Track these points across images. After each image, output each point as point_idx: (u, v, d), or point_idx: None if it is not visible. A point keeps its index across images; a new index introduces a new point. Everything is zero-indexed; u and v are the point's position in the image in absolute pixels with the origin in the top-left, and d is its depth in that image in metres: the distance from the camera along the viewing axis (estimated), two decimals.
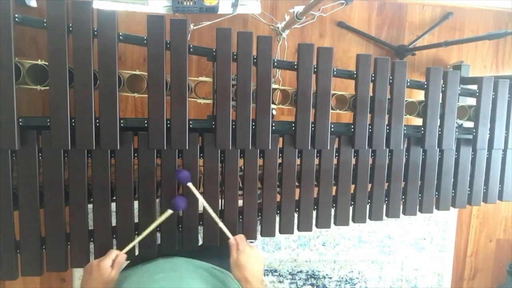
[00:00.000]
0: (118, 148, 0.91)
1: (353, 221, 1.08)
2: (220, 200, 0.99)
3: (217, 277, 0.91)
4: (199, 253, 0.98)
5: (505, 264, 2.28)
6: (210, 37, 1.83)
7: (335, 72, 1.01)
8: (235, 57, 0.94)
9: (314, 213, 1.06)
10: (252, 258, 0.87)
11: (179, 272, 0.87)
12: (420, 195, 1.12)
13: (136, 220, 0.96)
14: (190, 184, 0.92)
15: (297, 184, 1.04)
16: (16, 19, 0.85)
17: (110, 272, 0.83)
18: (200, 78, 1.01)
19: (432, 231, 2.17)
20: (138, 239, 0.92)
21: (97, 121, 0.90)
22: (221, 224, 0.93)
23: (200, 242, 1.01)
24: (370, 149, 1.05)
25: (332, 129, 1.01)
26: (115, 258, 0.86)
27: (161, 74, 0.91)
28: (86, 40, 0.87)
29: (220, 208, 1.00)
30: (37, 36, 1.67)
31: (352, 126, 1.03)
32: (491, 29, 2.05)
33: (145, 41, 0.90)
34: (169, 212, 0.91)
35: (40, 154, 0.89)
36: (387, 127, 1.05)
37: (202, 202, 0.93)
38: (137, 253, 0.97)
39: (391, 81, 1.03)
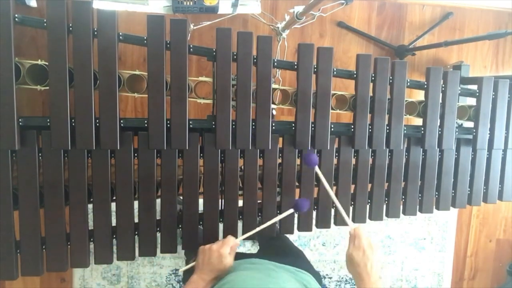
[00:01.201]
0: (118, 148, 0.91)
1: (353, 221, 1.08)
2: (220, 200, 0.99)
3: (301, 280, 0.90)
4: (273, 254, 0.98)
5: (505, 264, 2.28)
6: (210, 37, 1.83)
7: (335, 72, 1.01)
8: (235, 57, 0.93)
9: (314, 213, 1.06)
10: (366, 256, 0.83)
11: (279, 273, 0.86)
12: (420, 195, 1.12)
13: (136, 220, 0.96)
14: (317, 168, 0.95)
15: (297, 184, 1.04)
16: (16, 19, 0.85)
17: (228, 260, 0.83)
18: (200, 78, 1.01)
19: (432, 231, 2.17)
20: (253, 231, 0.93)
21: (97, 121, 0.90)
22: (342, 212, 0.93)
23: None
24: (370, 149, 1.05)
25: (332, 129, 1.01)
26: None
27: (161, 74, 0.91)
28: (86, 40, 0.87)
29: (220, 208, 1.00)
30: (37, 36, 1.67)
31: (352, 126, 1.03)
32: (491, 29, 2.05)
33: (145, 41, 0.90)
34: (291, 210, 0.93)
35: (40, 154, 0.89)
36: (387, 127, 1.05)
37: (326, 187, 0.94)
38: (137, 253, 0.97)
39: (391, 81, 1.03)
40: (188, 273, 0.92)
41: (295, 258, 1.02)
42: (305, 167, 1.02)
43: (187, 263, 1.14)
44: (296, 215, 1.04)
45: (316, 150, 1.01)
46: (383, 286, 0.81)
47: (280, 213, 0.98)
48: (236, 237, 0.91)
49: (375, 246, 0.85)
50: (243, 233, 0.99)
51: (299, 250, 1.21)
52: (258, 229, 0.92)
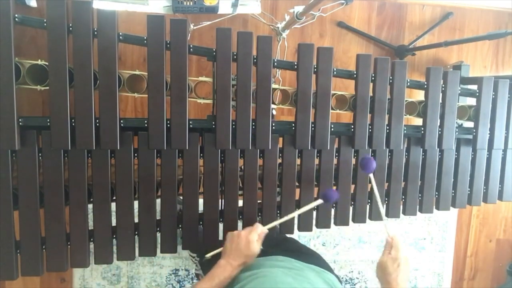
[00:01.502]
0: (118, 148, 0.91)
1: (353, 221, 1.08)
2: (220, 200, 0.99)
3: (327, 280, 0.90)
4: (293, 253, 0.99)
5: (505, 264, 2.28)
6: (210, 37, 1.83)
7: (335, 72, 1.01)
8: (235, 57, 0.93)
9: (314, 213, 1.06)
10: (401, 268, 0.85)
11: (307, 273, 0.87)
12: (420, 195, 1.12)
13: (136, 220, 0.96)
14: (371, 176, 0.96)
15: (297, 184, 1.04)
16: (16, 19, 0.85)
17: (255, 246, 0.84)
18: (200, 78, 1.01)
19: (432, 231, 2.17)
20: (281, 220, 0.94)
21: (97, 121, 0.89)
22: (385, 222, 0.95)
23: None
24: (370, 149, 1.05)
25: (332, 129, 1.01)
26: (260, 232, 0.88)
27: (161, 74, 0.91)
28: (86, 40, 0.87)
29: (220, 208, 1.00)
30: (37, 36, 1.67)
31: (352, 126, 1.03)
32: (491, 29, 2.05)
33: (145, 41, 0.90)
34: (320, 201, 0.94)
35: (40, 154, 0.89)
36: (387, 127, 1.05)
37: (376, 193, 0.96)
38: (137, 253, 0.97)
39: (391, 81, 1.03)
40: (208, 262, 0.94)
41: (316, 258, 1.03)
42: (305, 167, 1.01)
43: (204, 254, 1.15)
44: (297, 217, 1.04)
45: (316, 151, 1.01)
46: None
47: (261, 216, 0.99)
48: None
49: (409, 261, 0.87)
50: None
51: (314, 251, 1.22)
52: (284, 218, 0.94)
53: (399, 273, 0.84)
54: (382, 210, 0.97)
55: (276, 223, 0.94)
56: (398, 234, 0.90)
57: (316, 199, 0.98)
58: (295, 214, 0.96)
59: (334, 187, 1.05)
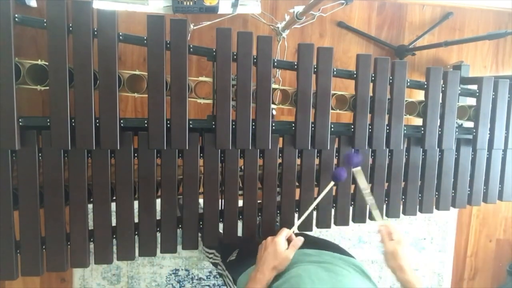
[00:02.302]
0: (118, 148, 0.91)
1: (353, 221, 1.08)
2: (220, 200, 0.99)
3: (356, 268, 0.92)
4: (317, 245, 1.01)
5: (505, 264, 2.28)
6: (210, 37, 1.83)
7: (335, 72, 1.01)
8: (235, 57, 0.93)
9: (314, 213, 1.06)
10: (406, 248, 0.89)
11: (339, 267, 0.89)
12: (420, 195, 1.12)
13: (136, 220, 0.96)
14: (359, 169, 0.97)
15: (297, 184, 1.04)
16: (16, 19, 0.85)
17: (284, 248, 0.85)
18: (200, 78, 1.01)
19: (432, 231, 2.17)
20: (302, 217, 0.95)
21: (97, 121, 0.89)
22: (375, 211, 0.97)
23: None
24: (370, 149, 1.05)
25: (332, 129, 1.01)
26: (290, 237, 0.89)
27: (161, 74, 0.91)
28: (86, 40, 0.87)
29: (220, 208, 1.00)
30: (37, 36, 1.67)
31: (352, 126, 1.03)
32: (491, 29, 2.05)
33: (145, 41, 0.90)
34: (332, 183, 0.95)
35: (40, 154, 0.89)
36: (387, 127, 1.05)
37: (363, 189, 0.97)
38: (137, 253, 0.97)
39: (391, 81, 1.03)
40: (234, 262, 0.98)
41: (337, 247, 1.06)
42: (305, 167, 1.01)
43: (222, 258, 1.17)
44: (296, 215, 1.04)
45: (316, 151, 1.01)
46: (418, 276, 0.89)
47: (261, 216, 1.00)
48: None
49: (406, 239, 0.93)
50: (243, 234, 1.00)
51: (328, 240, 1.23)
52: (306, 214, 0.96)
53: (408, 254, 0.87)
54: (371, 200, 0.98)
55: (299, 221, 0.95)
56: (390, 222, 0.93)
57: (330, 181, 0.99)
58: (313, 206, 0.97)
59: (297, 192, 1.05)
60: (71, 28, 0.86)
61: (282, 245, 0.85)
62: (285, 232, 0.89)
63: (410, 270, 0.87)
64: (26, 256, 0.92)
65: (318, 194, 1.00)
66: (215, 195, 0.98)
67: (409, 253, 0.89)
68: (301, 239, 0.89)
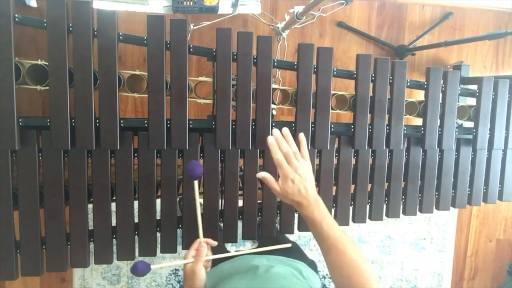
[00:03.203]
0: (118, 148, 0.91)
1: (353, 221, 1.08)
2: (220, 200, 0.99)
3: (293, 266, 0.91)
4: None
5: (505, 264, 2.28)
6: (210, 37, 1.83)
7: (335, 72, 1.01)
8: (235, 57, 0.93)
9: None
10: (298, 181, 0.73)
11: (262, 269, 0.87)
12: (420, 195, 1.12)
13: (136, 220, 0.96)
14: (196, 183, 0.83)
15: None
16: (16, 19, 0.85)
17: (188, 267, 0.78)
18: (200, 78, 1.01)
19: (432, 231, 2.18)
20: (218, 256, 0.86)
21: (97, 121, 0.90)
22: (199, 224, 0.85)
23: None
24: (370, 149, 1.05)
25: (332, 129, 1.01)
26: (198, 247, 0.80)
27: (161, 74, 0.91)
28: (86, 40, 0.87)
29: (220, 208, 1.00)
30: (37, 36, 1.67)
31: (352, 126, 1.03)
32: (491, 29, 2.05)
33: (145, 41, 0.90)
34: (289, 245, 0.84)
35: (40, 154, 0.89)
36: (387, 127, 1.05)
37: (197, 203, 0.86)
38: (137, 253, 0.97)
39: (391, 81, 1.03)
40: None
41: (288, 250, 1.02)
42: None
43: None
44: (296, 215, 1.04)
45: (316, 151, 1.01)
46: (321, 203, 0.75)
47: (261, 216, 0.97)
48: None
49: (300, 166, 0.74)
50: (243, 234, 1.01)
51: (292, 242, 1.23)
52: (225, 255, 0.91)
53: (300, 187, 0.73)
54: (199, 216, 0.85)
55: (201, 231, 0.84)
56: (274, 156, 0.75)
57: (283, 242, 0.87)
58: (246, 251, 0.88)
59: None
60: (71, 28, 0.86)
61: (187, 266, 0.79)
62: (194, 245, 0.81)
63: (312, 202, 0.73)
64: (26, 256, 0.92)
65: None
66: (215, 195, 0.98)
67: (304, 182, 0.73)
68: (203, 245, 0.80)
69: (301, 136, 0.80)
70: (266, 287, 0.80)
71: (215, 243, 0.83)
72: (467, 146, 1.13)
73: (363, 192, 1.07)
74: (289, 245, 0.84)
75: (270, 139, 0.75)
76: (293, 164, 0.74)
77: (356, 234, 2.10)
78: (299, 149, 0.78)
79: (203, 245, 0.80)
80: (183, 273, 0.80)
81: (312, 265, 1.03)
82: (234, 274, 0.88)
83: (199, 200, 0.84)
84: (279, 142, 0.76)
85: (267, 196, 1.01)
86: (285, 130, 0.78)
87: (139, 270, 0.77)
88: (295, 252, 1.03)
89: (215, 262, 0.94)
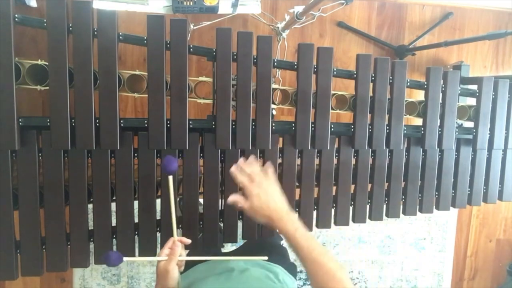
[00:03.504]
0: (118, 148, 0.91)
1: (353, 221, 1.08)
2: (220, 200, 0.99)
3: (269, 269, 0.92)
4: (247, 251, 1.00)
5: (505, 264, 2.28)
6: (210, 37, 1.83)
7: (335, 72, 1.01)
8: (235, 57, 0.93)
9: (314, 213, 1.06)
10: (264, 195, 0.76)
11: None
12: (420, 195, 1.12)
13: (136, 220, 0.96)
14: (170, 178, 0.79)
15: (297, 184, 1.04)
16: (16, 19, 0.85)
17: (161, 265, 0.77)
18: (200, 78, 1.01)
19: (432, 231, 2.18)
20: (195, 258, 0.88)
21: (97, 121, 0.89)
22: (174, 222, 0.82)
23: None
24: (370, 149, 1.05)
25: (332, 129, 1.01)
26: (172, 245, 0.78)
27: (161, 74, 0.90)
28: (86, 40, 0.87)
29: (220, 208, 1.00)
30: (37, 36, 1.67)
31: (352, 126, 1.03)
32: (491, 29, 2.05)
33: (145, 41, 0.90)
34: (265, 257, 0.84)
35: (40, 154, 0.89)
36: (387, 127, 1.05)
37: (172, 199, 0.81)
38: (137, 253, 0.97)
39: (391, 81, 1.03)
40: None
41: (268, 252, 1.00)
42: (305, 167, 1.01)
43: None
44: (296, 215, 1.04)
45: (316, 151, 1.01)
46: (293, 215, 0.77)
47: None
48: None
49: (264, 183, 0.78)
50: (243, 234, 1.00)
51: (276, 244, 1.22)
52: (199, 258, 0.90)
53: (268, 203, 0.75)
54: (173, 213, 0.82)
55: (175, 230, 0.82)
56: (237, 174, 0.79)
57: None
58: (221, 258, 0.92)
59: (297, 192, 1.02)
60: (71, 28, 0.86)
61: (160, 265, 0.77)
62: (168, 243, 0.79)
63: (283, 215, 0.74)
64: (26, 256, 0.92)
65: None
66: (215, 195, 0.98)
67: (271, 198, 0.75)
68: (177, 244, 0.78)
69: (268, 163, 0.86)
70: None
71: (188, 241, 0.82)
72: (467, 146, 1.13)
73: (363, 192, 1.07)
74: (265, 258, 0.84)
75: (232, 168, 0.81)
76: (256, 181, 0.78)
77: (356, 234, 2.10)
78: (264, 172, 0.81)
79: (177, 244, 0.78)
80: (156, 270, 0.78)
81: (292, 268, 1.03)
82: (209, 275, 0.88)
83: (174, 198, 0.81)
84: (242, 166, 0.81)
85: None
86: (250, 157, 0.84)
87: (110, 259, 0.75)
88: (276, 255, 1.03)
89: (191, 264, 0.95)
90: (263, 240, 1.22)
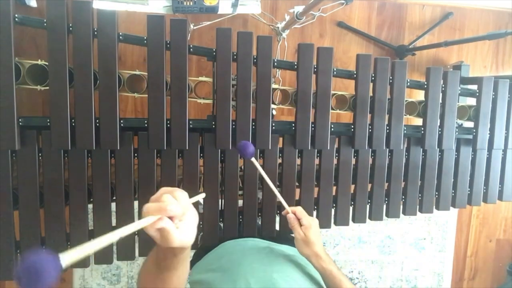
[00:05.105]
0: (118, 148, 0.91)
1: (353, 221, 1.08)
2: (220, 200, 0.99)
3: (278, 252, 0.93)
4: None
5: (505, 264, 2.28)
6: (210, 37, 1.83)
7: (335, 72, 1.01)
8: (235, 57, 0.93)
9: (315, 213, 1.06)
10: (317, 231, 0.84)
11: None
12: (420, 195, 1.12)
13: (136, 220, 0.96)
14: (254, 160, 0.82)
15: (297, 184, 1.04)
16: (16, 19, 0.85)
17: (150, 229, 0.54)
18: (200, 78, 1.01)
19: (432, 231, 2.18)
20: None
21: (97, 121, 0.90)
22: (279, 197, 0.88)
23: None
24: (370, 149, 1.05)
25: (332, 129, 1.01)
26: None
27: (161, 74, 0.91)
28: (86, 40, 0.87)
29: (220, 208, 1.00)
30: (37, 36, 1.67)
31: (352, 126, 1.03)
32: (491, 29, 2.05)
33: (145, 41, 0.90)
34: (203, 195, 0.78)
35: (40, 154, 0.89)
36: (387, 127, 1.05)
37: (264, 176, 0.84)
38: (137, 253, 0.97)
39: (391, 81, 1.03)
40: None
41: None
42: (305, 167, 1.01)
43: None
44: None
45: (316, 151, 1.01)
46: (328, 257, 0.85)
47: (261, 216, 0.99)
48: None
49: (315, 221, 0.86)
50: (243, 234, 1.00)
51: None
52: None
53: (320, 239, 0.84)
54: (275, 191, 0.87)
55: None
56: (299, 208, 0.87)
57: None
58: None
59: (297, 192, 1.04)
60: (71, 28, 0.86)
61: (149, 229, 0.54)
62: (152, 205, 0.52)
63: (326, 255, 0.83)
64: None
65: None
66: (215, 195, 0.98)
67: (320, 238, 0.84)
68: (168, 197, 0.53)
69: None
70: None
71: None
72: (467, 146, 1.13)
73: (363, 192, 1.07)
74: (203, 195, 0.80)
75: (289, 215, 0.86)
76: (311, 219, 0.85)
77: (356, 234, 2.10)
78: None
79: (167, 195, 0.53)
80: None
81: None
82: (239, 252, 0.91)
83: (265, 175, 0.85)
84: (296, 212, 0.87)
85: (267, 196, 1.01)
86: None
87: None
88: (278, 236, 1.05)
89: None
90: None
